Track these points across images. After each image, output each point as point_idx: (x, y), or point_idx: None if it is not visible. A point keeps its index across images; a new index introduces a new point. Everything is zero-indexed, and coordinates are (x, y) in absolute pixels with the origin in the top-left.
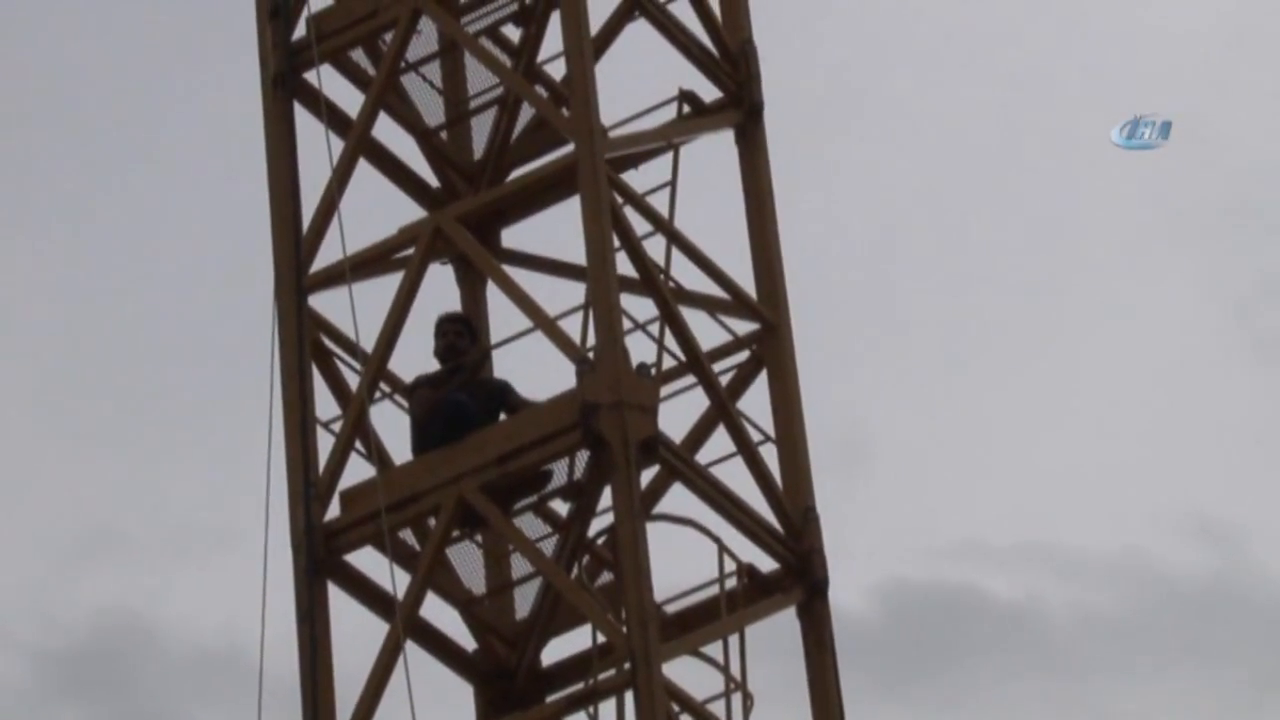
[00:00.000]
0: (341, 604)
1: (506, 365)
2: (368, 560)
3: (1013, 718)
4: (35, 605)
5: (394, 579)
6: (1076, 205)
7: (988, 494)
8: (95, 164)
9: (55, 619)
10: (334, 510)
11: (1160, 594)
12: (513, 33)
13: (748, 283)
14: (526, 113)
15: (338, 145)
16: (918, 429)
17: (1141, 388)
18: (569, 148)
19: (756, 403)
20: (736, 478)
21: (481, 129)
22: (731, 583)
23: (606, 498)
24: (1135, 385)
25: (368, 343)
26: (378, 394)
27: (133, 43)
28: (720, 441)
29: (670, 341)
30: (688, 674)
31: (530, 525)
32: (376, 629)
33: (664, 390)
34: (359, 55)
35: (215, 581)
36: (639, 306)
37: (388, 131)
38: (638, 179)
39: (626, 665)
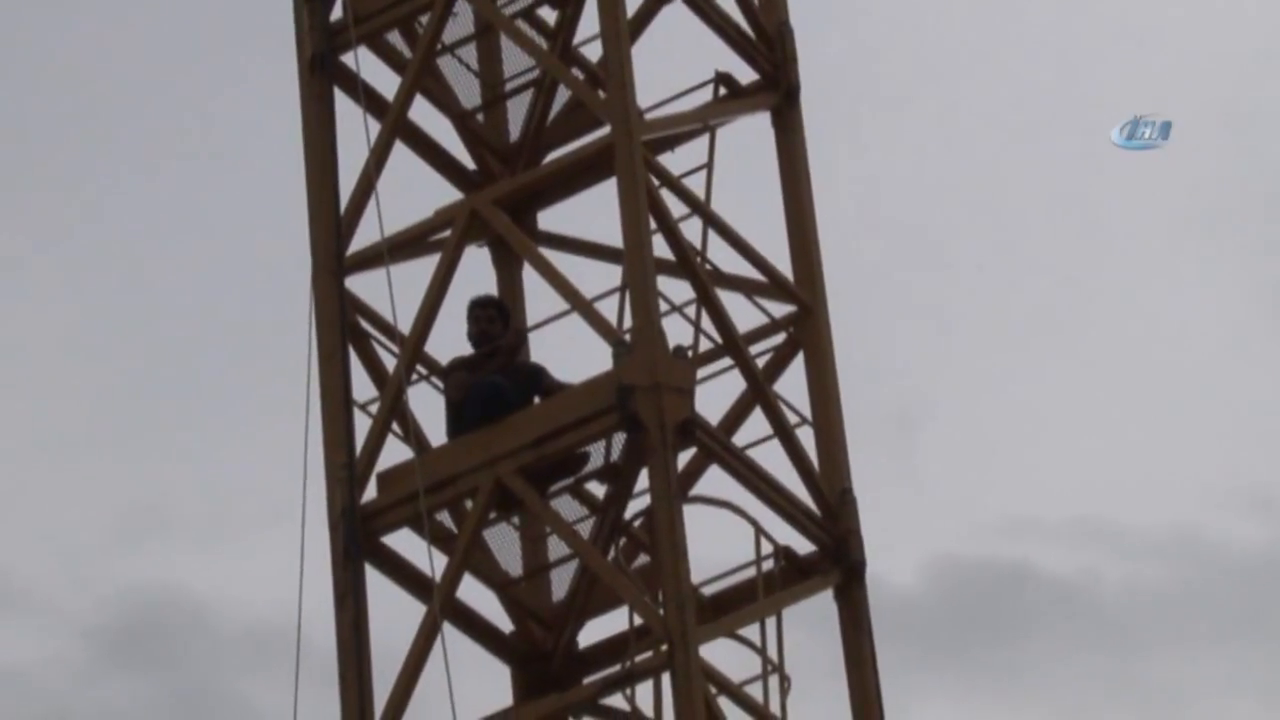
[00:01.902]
0: (380, 583)
1: (543, 347)
2: (405, 542)
3: (1066, 693)
4: (85, 581)
5: (432, 561)
6: (1124, 184)
7: (1040, 469)
8: (143, 149)
9: (105, 595)
10: (371, 492)
11: (1214, 568)
12: (549, 15)
13: (784, 265)
14: (563, 95)
15: (374, 128)
16: (969, 406)
17: (1195, 361)
18: (605, 130)
19: (793, 385)
20: (773, 460)
21: (518, 111)
22: (768, 565)
23: (643, 480)
24: (1188, 359)
25: (404, 325)
26: (414, 376)
27: (170, 26)
28: (757, 424)
29: (707, 324)
30: (725, 656)
31: (567, 507)
32: (415, 609)
33: (700, 372)
34: (395, 38)
35: (264, 557)
36: (675, 289)
37: (424, 114)
38: (674, 161)
39: (664, 647)
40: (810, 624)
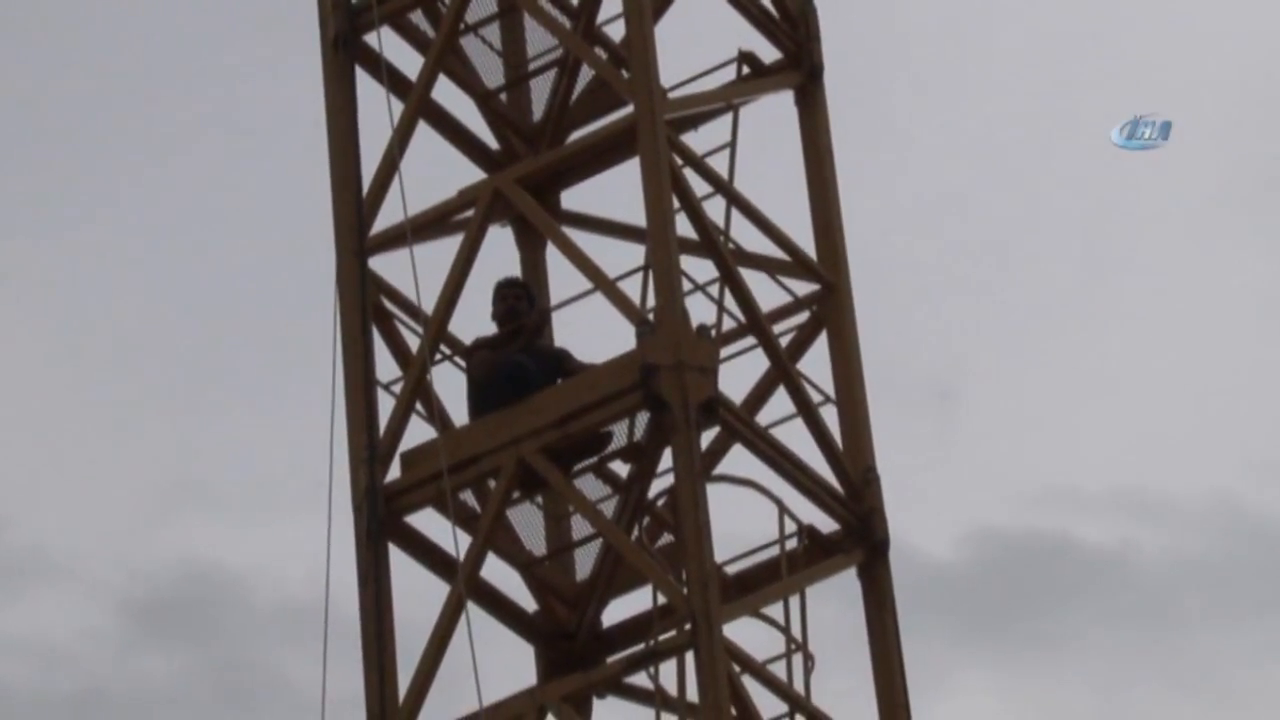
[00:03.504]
0: (405, 560)
1: (566, 327)
2: (429, 522)
3: (1105, 664)
4: (122, 555)
5: (456, 541)
6: (1161, 158)
7: (1079, 440)
8: (165, 131)
9: (142, 569)
10: (395, 472)
11: (1253, 539)
12: None
13: (807, 243)
14: (586, 74)
15: (398, 108)
16: (1007, 378)
17: (1233, 331)
18: (628, 109)
19: (816, 363)
20: (796, 439)
21: (541, 91)
22: (792, 544)
23: (667, 459)
24: (1225, 328)
25: (428, 305)
26: (438, 356)
27: (191, 6)
28: (780, 402)
29: (730, 303)
30: (748, 635)
31: (590, 487)
32: (441, 585)
33: (724, 351)
34: (418, 17)
35: (301, 532)
36: (699, 268)
37: (447, 94)
38: (697, 140)
39: (687, 626)
40: (841, 599)
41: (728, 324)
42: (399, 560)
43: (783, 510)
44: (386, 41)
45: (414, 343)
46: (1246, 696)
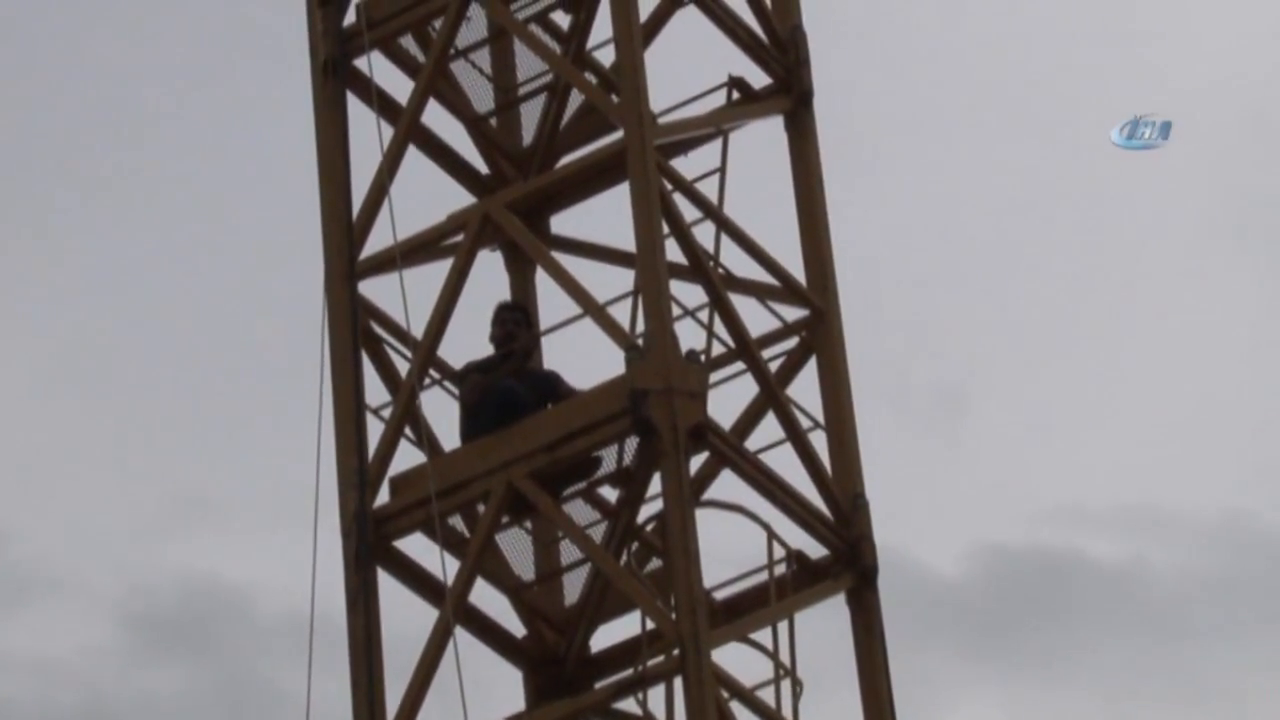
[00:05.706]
0: (394, 581)
1: (556, 351)
2: (417, 546)
3: (1114, 680)
4: (124, 569)
5: (444, 565)
6: (1167, 173)
7: (1088, 457)
8: (161, 152)
9: (144, 583)
10: (384, 496)
11: (1262, 554)
12: (562, 19)
13: (797, 269)
14: (576, 99)
15: (388, 132)
16: (1015, 394)
17: (1241, 347)
18: (618, 134)
19: (806, 389)
20: (786, 464)
21: (531, 116)
22: (781, 569)
23: (656, 484)
24: (1235, 344)
25: (417, 329)
26: (427, 380)
27: (183, 31)
28: (769, 428)
29: (719, 328)
30: (737, 660)
31: (579, 512)
32: (428, 610)
33: (713, 377)
34: (409, 42)
35: (303, 548)
36: (688, 293)
37: (437, 118)
38: (687, 165)
39: (676, 652)
40: (829, 624)
41: (717, 349)
42: (391, 580)
43: (771, 536)
44: (377, 66)
45: (403, 367)
46: (1257, 711)
